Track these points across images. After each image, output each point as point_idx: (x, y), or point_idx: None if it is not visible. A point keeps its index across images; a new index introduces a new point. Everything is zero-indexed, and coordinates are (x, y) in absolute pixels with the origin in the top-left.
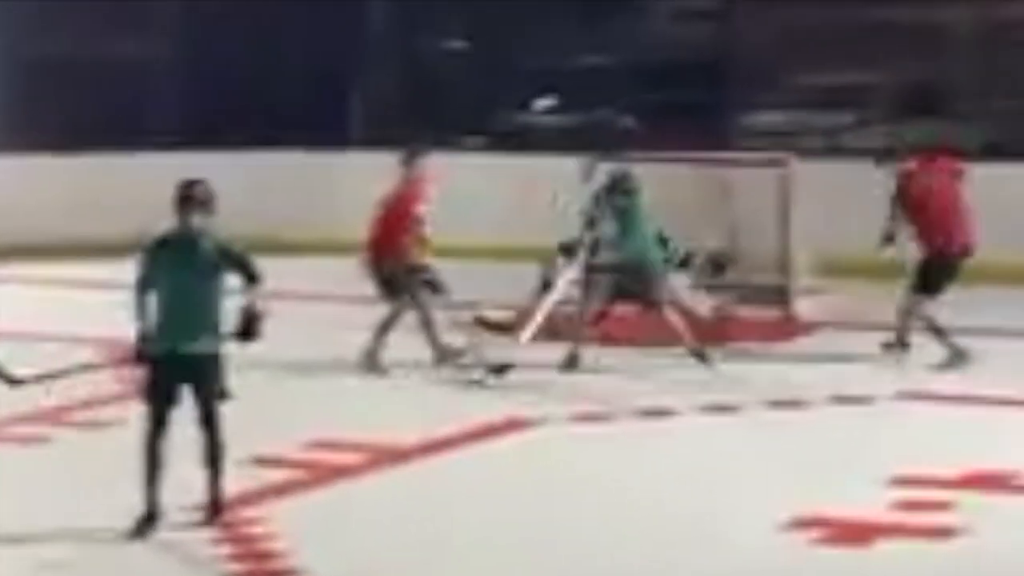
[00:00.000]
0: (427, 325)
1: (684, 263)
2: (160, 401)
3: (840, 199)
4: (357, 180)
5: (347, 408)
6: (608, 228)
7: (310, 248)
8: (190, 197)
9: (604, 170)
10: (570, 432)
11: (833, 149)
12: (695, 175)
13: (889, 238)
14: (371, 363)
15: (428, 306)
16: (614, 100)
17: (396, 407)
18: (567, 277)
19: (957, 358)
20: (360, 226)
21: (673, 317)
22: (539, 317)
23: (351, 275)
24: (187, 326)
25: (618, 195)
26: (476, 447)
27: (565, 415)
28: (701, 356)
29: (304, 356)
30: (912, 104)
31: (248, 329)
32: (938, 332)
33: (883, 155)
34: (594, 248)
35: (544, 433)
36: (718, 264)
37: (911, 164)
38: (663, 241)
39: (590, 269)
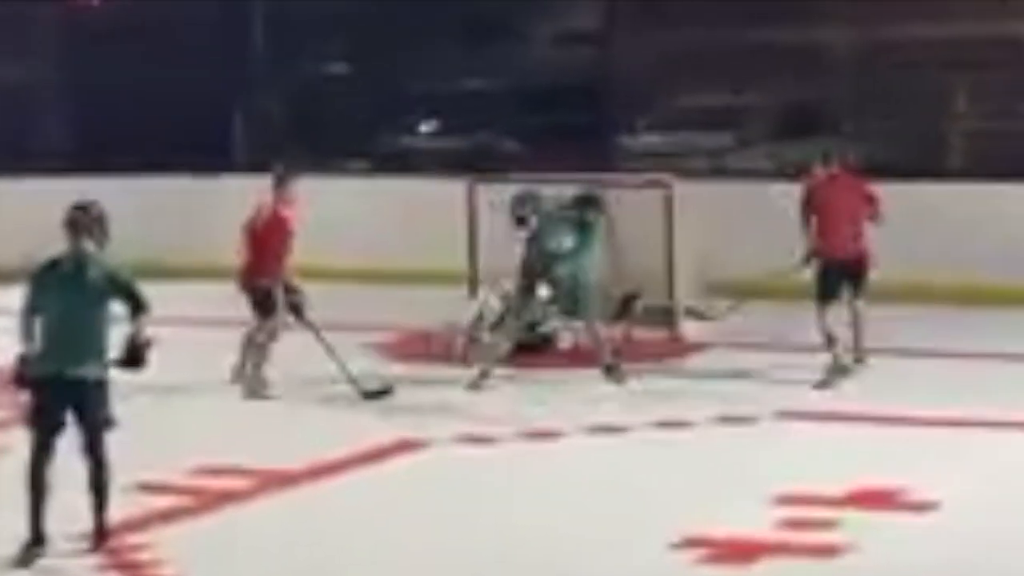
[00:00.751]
0: (255, 344)
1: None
2: (45, 426)
3: (725, 219)
4: (241, 204)
5: (233, 432)
6: (568, 241)
7: (194, 273)
8: (77, 221)
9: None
10: (459, 454)
11: (717, 170)
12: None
13: (812, 254)
14: (256, 387)
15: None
16: (496, 123)
17: (284, 430)
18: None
19: (839, 372)
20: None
21: (599, 333)
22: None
23: (233, 299)
24: (73, 351)
25: (589, 210)
26: (365, 470)
27: (454, 436)
28: (613, 372)
29: (190, 381)
30: (792, 124)
31: (133, 357)
32: (830, 342)
33: (800, 168)
34: (545, 264)
35: (433, 455)
36: (629, 300)
37: (820, 175)
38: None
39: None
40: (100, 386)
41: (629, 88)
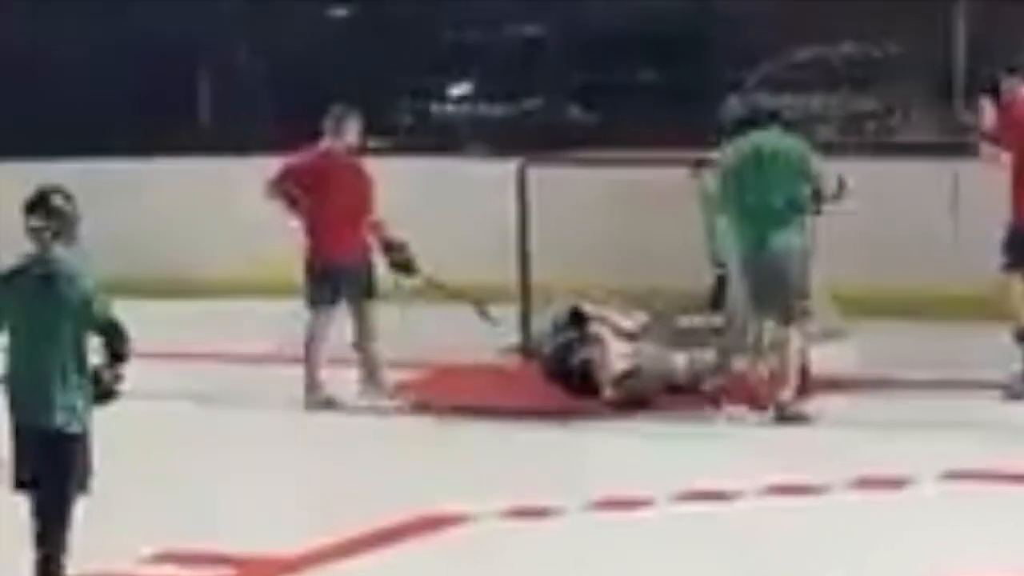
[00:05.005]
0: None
1: None
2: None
3: (872, 207)
4: (208, 193)
5: (211, 505)
6: None
7: (157, 292)
8: (40, 229)
9: None
10: (508, 528)
11: (863, 144)
12: (668, 180)
13: None
14: (377, 381)
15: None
16: (557, 84)
17: (275, 503)
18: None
19: None
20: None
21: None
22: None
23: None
24: (42, 394)
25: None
26: (381, 553)
27: (502, 507)
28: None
29: (149, 433)
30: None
31: (103, 390)
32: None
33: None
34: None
35: (473, 532)
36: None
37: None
38: None
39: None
40: (80, 440)
41: (737, 34)
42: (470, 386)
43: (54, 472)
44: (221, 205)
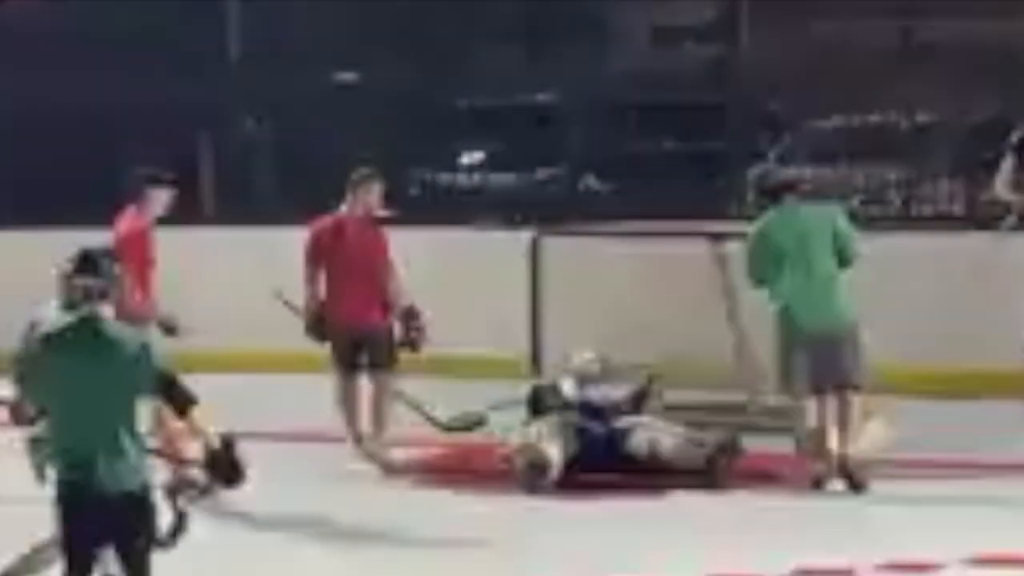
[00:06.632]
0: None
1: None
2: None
3: (901, 281)
4: (209, 267)
5: None
6: None
7: None
8: (89, 288)
9: None
10: None
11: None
12: (686, 253)
13: None
14: (384, 463)
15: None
16: (572, 152)
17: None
18: None
19: None
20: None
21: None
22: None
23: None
24: (99, 458)
25: None
26: None
27: None
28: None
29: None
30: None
31: (223, 470)
32: None
33: None
34: None
35: None
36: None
37: None
38: None
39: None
40: (147, 495)
41: (760, 102)
42: (476, 464)
43: (135, 534)
44: (225, 277)
